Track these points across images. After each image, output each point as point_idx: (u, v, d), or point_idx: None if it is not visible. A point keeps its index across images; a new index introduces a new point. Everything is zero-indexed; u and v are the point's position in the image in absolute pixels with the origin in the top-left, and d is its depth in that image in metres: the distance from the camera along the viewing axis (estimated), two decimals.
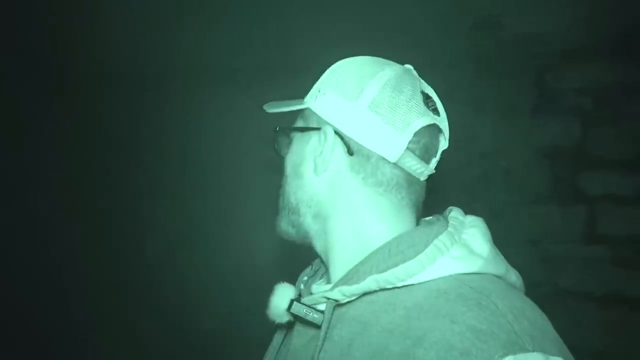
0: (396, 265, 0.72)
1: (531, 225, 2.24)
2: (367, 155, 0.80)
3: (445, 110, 0.87)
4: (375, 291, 0.73)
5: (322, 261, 0.90)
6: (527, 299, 0.72)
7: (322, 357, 0.74)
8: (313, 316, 0.77)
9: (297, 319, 0.81)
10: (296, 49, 2.47)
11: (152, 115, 2.81)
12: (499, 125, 2.27)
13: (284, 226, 0.90)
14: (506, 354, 0.59)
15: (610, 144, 2.15)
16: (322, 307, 0.77)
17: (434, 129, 0.83)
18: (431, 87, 0.88)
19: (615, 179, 2.14)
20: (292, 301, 0.79)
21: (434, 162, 0.86)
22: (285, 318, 0.82)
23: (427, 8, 2.30)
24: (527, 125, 2.26)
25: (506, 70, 2.26)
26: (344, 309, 0.76)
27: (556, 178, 2.23)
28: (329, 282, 0.87)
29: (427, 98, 0.84)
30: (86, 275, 2.87)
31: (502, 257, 0.78)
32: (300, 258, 1.03)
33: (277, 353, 0.93)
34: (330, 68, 0.86)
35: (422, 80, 0.87)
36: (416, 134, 0.79)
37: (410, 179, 0.82)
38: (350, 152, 0.81)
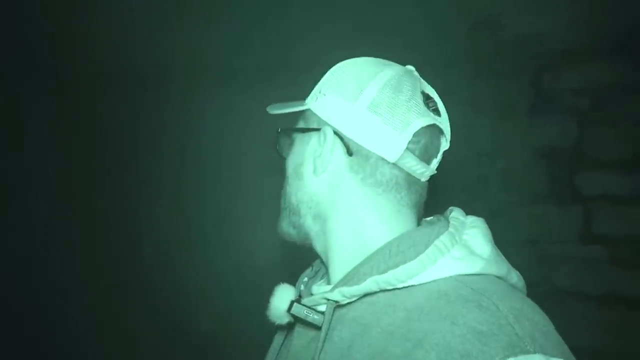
0: (397, 266, 0.71)
1: (529, 225, 2.24)
2: (366, 156, 0.80)
3: (446, 111, 0.86)
4: (375, 292, 0.73)
5: (322, 262, 0.89)
6: (529, 300, 0.72)
7: (323, 359, 0.73)
8: (313, 317, 0.76)
9: (297, 320, 0.80)
10: (295, 49, 2.47)
11: (152, 115, 2.81)
12: (497, 126, 2.27)
13: (285, 227, 0.90)
14: (507, 356, 0.59)
15: (607, 144, 2.15)
16: (322, 308, 0.77)
17: (435, 130, 0.83)
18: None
19: (612, 179, 2.14)
20: (292, 302, 0.79)
21: (435, 162, 0.85)
22: (285, 319, 0.81)
23: (426, 8, 2.30)
24: (525, 126, 2.25)
25: (504, 71, 2.26)
26: (344, 310, 0.75)
27: (554, 178, 2.23)
28: (329, 283, 0.87)
29: (427, 98, 0.83)
30: (85, 275, 2.86)
31: (504, 257, 0.77)
32: (300, 259, 1.02)
33: (277, 354, 0.92)
34: (331, 69, 0.86)
35: (424, 81, 0.86)
36: (416, 134, 0.78)
37: (410, 179, 0.82)
38: (349, 153, 0.80)
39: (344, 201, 0.82)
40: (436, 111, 0.83)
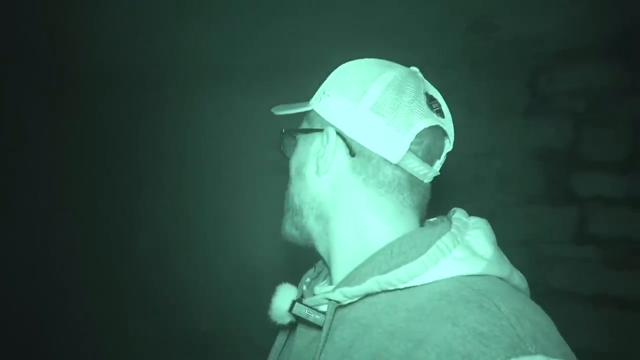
0: (398, 266, 0.70)
1: (524, 225, 2.25)
2: (369, 157, 0.79)
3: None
4: (377, 293, 0.72)
5: (324, 263, 0.88)
6: (530, 301, 0.71)
7: (323, 358, 0.73)
8: (315, 317, 0.76)
9: (298, 320, 0.79)
10: (294, 50, 2.47)
11: (152, 114, 2.80)
12: (493, 126, 2.28)
13: (288, 228, 0.90)
14: (509, 357, 0.58)
15: (602, 145, 2.16)
16: (323, 308, 0.76)
17: (438, 131, 0.82)
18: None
19: (607, 181, 2.15)
20: (293, 302, 0.78)
21: (438, 164, 0.85)
22: (287, 319, 0.81)
23: (423, 9, 2.30)
24: (521, 126, 2.26)
25: (501, 72, 2.27)
26: (345, 310, 0.75)
27: (549, 179, 2.24)
28: (331, 283, 0.86)
29: (431, 100, 0.82)
30: (85, 275, 2.86)
31: (506, 259, 0.77)
32: (302, 259, 1.02)
33: (279, 354, 0.92)
34: (335, 71, 0.85)
35: (427, 82, 0.86)
36: (418, 135, 0.78)
37: (413, 180, 0.81)
38: (352, 154, 0.80)
39: (346, 202, 0.81)
40: (440, 112, 0.83)
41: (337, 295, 0.74)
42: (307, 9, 2.39)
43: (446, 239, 0.72)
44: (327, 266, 0.88)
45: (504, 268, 0.74)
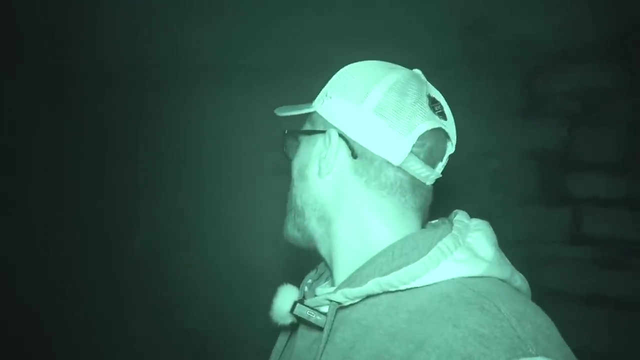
0: (399, 268, 0.71)
1: (520, 225, 2.26)
2: (371, 159, 0.79)
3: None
4: (378, 294, 0.72)
5: (326, 265, 0.88)
6: (532, 303, 0.71)
7: None
8: (316, 318, 0.76)
9: (300, 321, 0.79)
10: (292, 50, 2.46)
11: (152, 114, 2.79)
12: (489, 127, 2.28)
13: (291, 230, 0.89)
14: (509, 359, 0.58)
15: (597, 147, 2.17)
16: (325, 309, 0.76)
17: (440, 133, 0.82)
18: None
19: (602, 182, 2.16)
20: (295, 303, 0.78)
21: (440, 166, 0.85)
22: (288, 320, 0.81)
23: (420, 9, 2.30)
24: (517, 127, 2.27)
25: (497, 73, 2.27)
26: (346, 311, 0.75)
27: (545, 180, 2.25)
28: (333, 285, 0.86)
29: (433, 102, 0.82)
30: (85, 275, 2.84)
31: (507, 260, 0.77)
32: (304, 260, 1.02)
33: (280, 355, 0.92)
34: (338, 72, 0.85)
35: (430, 84, 0.86)
36: (420, 137, 0.78)
37: (415, 182, 0.81)
38: (354, 155, 0.80)
39: (348, 203, 0.81)
40: (442, 115, 0.83)
41: (339, 297, 0.74)
42: (305, 10, 2.40)
43: (447, 241, 0.72)
44: (328, 268, 0.87)
45: (505, 270, 0.74)
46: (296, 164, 0.89)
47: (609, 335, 2.08)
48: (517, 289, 0.76)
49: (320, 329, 0.75)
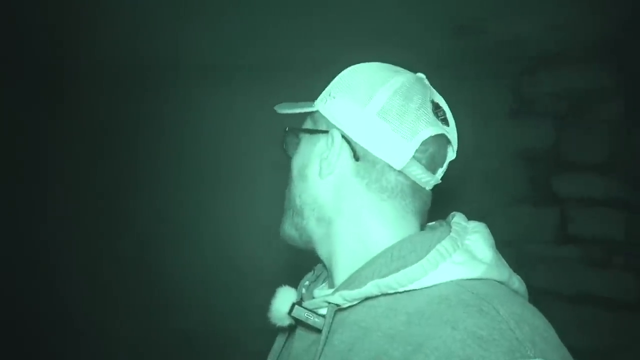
0: (398, 270, 0.70)
1: (506, 225, 2.27)
2: (373, 162, 0.79)
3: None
4: (376, 296, 0.71)
5: (324, 266, 0.87)
6: (529, 305, 0.71)
7: None
8: (314, 320, 0.75)
9: (298, 322, 0.78)
10: (291, 50, 2.46)
11: (152, 114, 2.78)
12: (477, 128, 2.30)
13: (288, 229, 0.88)
14: None
15: (583, 147, 2.19)
16: (323, 311, 0.75)
17: (442, 139, 0.82)
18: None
19: (588, 182, 2.19)
20: (293, 305, 0.77)
21: (440, 172, 0.84)
22: (286, 321, 0.80)
23: (409, 11, 2.31)
24: (504, 128, 2.29)
25: (485, 74, 2.29)
26: (345, 313, 0.74)
27: (531, 180, 2.27)
28: (331, 286, 0.85)
29: (436, 107, 0.82)
30: (83, 275, 2.83)
31: (505, 263, 0.76)
32: (301, 261, 1.01)
33: (278, 357, 0.91)
34: (342, 73, 0.84)
35: (433, 90, 0.85)
36: (423, 143, 0.77)
37: (415, 187, 0.80)
38: (356, 157, 0.79)
39: (349, 205, 0.80)
40: (445, 121, 0.82)
41: (337, 299, 0.73)
42: (304, 10, 2.39)
43: (446, 243, 0.71)
44: (326, 269, 0.87)
45: (503, 272, 0.74)
46: (296, 162, 0.88)
47: (595, 333, 2.11)
48: (515, 291, 0.76)
49: (319, 331, 0.74)
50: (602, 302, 2.14)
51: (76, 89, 2.85)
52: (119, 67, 2.73)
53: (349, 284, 0.75)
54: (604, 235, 2.16)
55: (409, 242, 0.74)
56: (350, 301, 0.73)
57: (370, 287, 0.71)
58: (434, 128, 0.78)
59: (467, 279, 0.70)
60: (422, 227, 0.85)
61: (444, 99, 0.87)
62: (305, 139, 0.87)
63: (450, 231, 0.76)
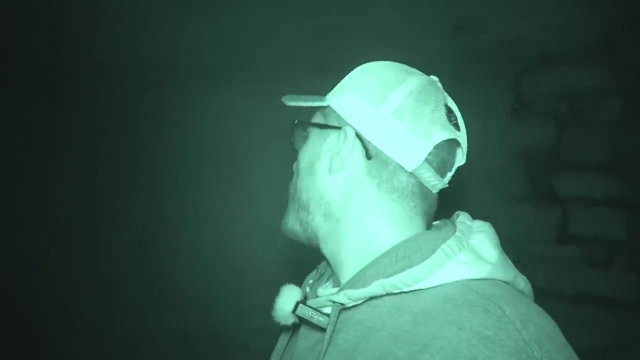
0: (403, 270, 0.69)
1: (507, 225, 2.27)
2: (385, 161, 0.78)
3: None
4: (381, 295, 0.71)
5: (328, 264, 0.86)
6: (535, 305, 0.70)
7: None
8: (318, 319, 0.75)
9: (302, 321, 0.78)
10: (290, 50, 2.45)
11: (151, 114, 2.77)
12: (476, 128, 2.30)
13: (291, 223, 0.87)
14: None
15: (583, 147, 2.19)
16: (327, 310, 0.75)
17: (453, 144, 0.82)
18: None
19: (588, 181, 2.19)
20: (297, 303, 0.77)
21: (449, 176, 0.84)
22: (290, 320, 0.79)
23: (409, 10, 2.31)
24: (505, 128, 2.29)
25: (484, 74, 2.29)
26: (349, 312, 0.74)
27: (532, 179, 2.27)
28: (335, 285, 0.85)
29: (449, 112, 0.82)
30: (85, 275, 2.83)
31: (511, 263, 0.76)
32: (303, 259, 1.01)
33: (281, 356, 0.90)
34: (355, 70, 0.84)
35: (446, 94, 0.85)
36: (436, 146, 0.77)
37: (423, 189, 0.80)
38: (368, 156, 0.78)
39: (358, 204, 0.79)
40: (456, 125, 0.82)
41: (342, 298, 0.73)
42: (304, 10, 2.39)
43: (451, 243, 0.71)
44: (331, 267, 0.86)
45: (508, 272, 0.73)
46: (304, 156, 0.87)
47: (595, 333, 2.11)
48: (521, 291, 0.75)
49: (323, 330, 0.74)
50: (603, 302, 2.14)
51: (76, 89, 2.84)
52: (119, 67, 2.72)
53: (354, 283, 0.74)
54: (605, 235, 2.15)
55: (414, 242, 0.74)
56: (354, 300, 0.73)
57: (375, 287, 0.71)
58: (447, 132, 0.78)
59: (473, 279, 0.69)
60: (428, 228, 0.84)
61: None
62: (315, 133, 0.86)
63: (455, 231, 0.76)
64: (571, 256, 2.19)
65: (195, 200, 2.74)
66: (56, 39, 2.73)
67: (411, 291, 0.69)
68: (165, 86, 2.69)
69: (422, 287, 0.69)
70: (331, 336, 0.73)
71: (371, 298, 0.72)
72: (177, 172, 2.77)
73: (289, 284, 0.83)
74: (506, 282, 0.73)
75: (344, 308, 0.74)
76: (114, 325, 2.78)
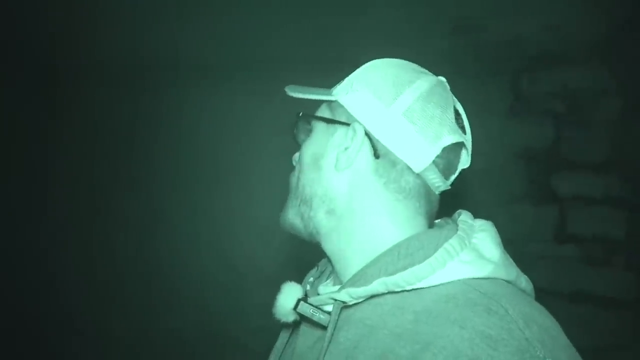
0: (405, 268, 0.69)
1: (506, 224, 2.27)
2: (393, 161, 0.78)
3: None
4: (383, 294, 0.70)
5: (329, 261, 0.85)
6: (537, 304, 0.70)
7: (328, 359, 0.71)
8: (319, 317, 0.74)
9: (303, 319, 0.77)
10: (290, 50, 2.46)
11: (149, 114, 2.78)
12: (475, 126, 2.30)
13: (292, 217, 0.85)
14: None
15: (582, 146, 2.20)
16: (328, 308, 0.74)
17: (460, 147, 0.81)
18: None
19: (586, 181, 2.19)
20: (298, 300, 0.76)
21: (452, 178, 0.84)
22: (291, 317, 0.79)
23: (409, 9, 2.31)
24: (504, 127, 2.29)
25: (484, 73, 2.30)
26: (350, 310, 0.73)
27: (530, 179, 2.27)
28: (335, 283, 0.84)
29: (457, 115, 0.81)
30: (79, 274, 2.83)
31: (512, 262, 0.76)
32: (302, 259, 1.01)
33: (281, 353, 0.90)
34: (364, 66, 0.82)
35: (453, 96, 0.84)
36: (444, 149, 0.77)
37: (428, 189, 0.80)
38: (376, 155, 0.77)
39: (363, 202, 0.79)
40: (463, 128, 0.82)
41: (343, 296, 0.72)
42: (303, 10, 2.39)
43: (454, 242, 0.71)
44: (331, 264, 0.85)
45: (510, 271, 0.73)
46: (308, 150, 0.85)
47: (595, 332, 2.11)
48: (522, 291, 0.75)
49: (324, 327, 0.73)
50: (602, 301, 2.14)
51: (75, 88, 2.84)
52: (118, 66, 2.72)
53: (356, 281, 0.74)
54: (604, 234, 2.16)
55: (416, 240, 0.74)
56: (356, 298, 0.72)
57: (377, 285, 0.70)
58: (455, 136, 0.78)
59: (475, 278, 0.69)
60: (430, 227, 0.84)
61: None
62: (321, 127, 0.85)
63: (457, 229, 0.75)
64: (570, 255, 2.19)
65: (194, 200, 2.74)
66: (55, 39, 2.72)
67: (413, 290, 0.69)
68: (164, 86, 2.69)
69: (424, 286, 0.68)
70: (332, 334, 0.72)
71: (372, 296, 0.72)
72: (176, 171, 2.77)
73: (290, 281, 0.82)
74: (508, 281, 0.72)
75: (345, 306, 0.74)
76: (113, 324, 2.78)
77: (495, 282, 0.70)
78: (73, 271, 2.85)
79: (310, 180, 0.83)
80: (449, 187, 0.84)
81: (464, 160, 0.85)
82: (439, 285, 0.68)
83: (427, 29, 2.31)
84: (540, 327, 0.63)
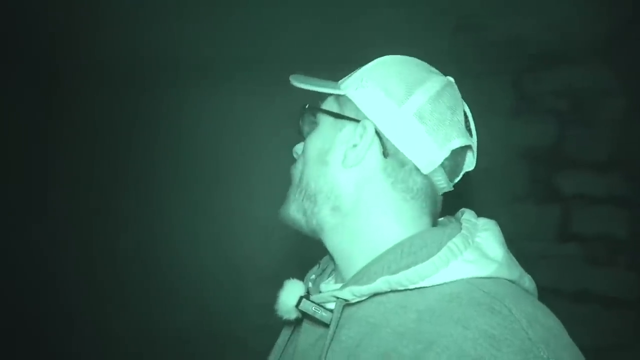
0: (408, 267, 0.68)
1: (509, 223, 2.27)
2: (402, 161, 0.77)
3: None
4: (386, 292, 0.70)
5: (331, 258, 0.84)
6: (540, 304, 0.70)
7: (330, 357, 0.70)
8: (322, 314, 0.74)
9: (305, 316, 0.77)
10: (290, 49, 2.45)
11: (149, 113, 2.77)
12: (478, 125, 2.30)
13: (293, 211, 0.84)
14: None
15: (585, 145, 2.20)
16: (331, 305, 0.74)
17: (466, 151, 0.81)
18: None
19: (589, 180, 2.19)
20: (301, 298, 0.76)
21: (456, 181, 0.84)
22: (293, 315, 0.78)
23: (411, 8, 2.31)
24: (506, 126, 2.29)
25: (487, 72, 2.29)
26: (353, 308, 0.72)
27: (533, 177, 2.27)
28: (337, 280, 0.84)
29: (466, 117, 0.81)
30: (78, 274, 2.83)
31: (516, 261, 0.75)
32: (302, 259, 1.01)
33: (283, 351, 0.89)
34: (375, 62, 0.81)
35: (461, 98, 0.83)
36: (453, 152, 0.76)
37: (434, 190, 0.80)
38: (385, 154, 0.77)
39: (369, 200, 0.78)
40: (470, 131, 0.81)
41: (346, 294, 0.71)
42: (303, 10, 2.38)
43: (457, 241, 0.70)
44: (334, 262, 0.84)
45: (514, 271, 0.72)
46: (314, 145, 0.83)
47: (597, 332, 2.10)
48: (526, 290, 0.74)
49: (326, 325, 0.73)
50: (605, 301, 2.14)
51: (75, 88, 2.84)
52: (118, 66, 2.72)
53: (359, 279, 0.73)
54: (606, 234, 2.15)
55: (419, 238, 0.73)
56: (359, 297, 0.72)
57: (380, 283, 0.69)
58: (463, 139, 0.78)
59: (478, 278, 0.68)
60: (433, 226, 0.83)
61: None
62: (328, 121, 0.83)
63: (460, 228, 0.75)
64: (573, 254, 2.19)
65: (194, 200, 2.73)
66: (55, 39, 2.72)
67: (416, 288, 0.68)
68: (164, 86, 2.69)
69: (427, 285, 0.68)
70: (334, 332, 0.72)
71: (375, 294, 0.71)
72: (176, 171, 2.77)
73: (292, 278, 0.81)
74: (511, 281, 0.72)
75: (347, 304, 0.73)
76: (113, 324, 2.78)
77: (499, 282, 0.69)
78: (73, 271, 2.84)
79: (316, 175, 0.81)
80: (452, 189, 0.84)
81: (469, 163, 0.84)
82: (442, 284, 0.68)
83: (428, 29, 2.31)
84: (544, 326, 0.63)
